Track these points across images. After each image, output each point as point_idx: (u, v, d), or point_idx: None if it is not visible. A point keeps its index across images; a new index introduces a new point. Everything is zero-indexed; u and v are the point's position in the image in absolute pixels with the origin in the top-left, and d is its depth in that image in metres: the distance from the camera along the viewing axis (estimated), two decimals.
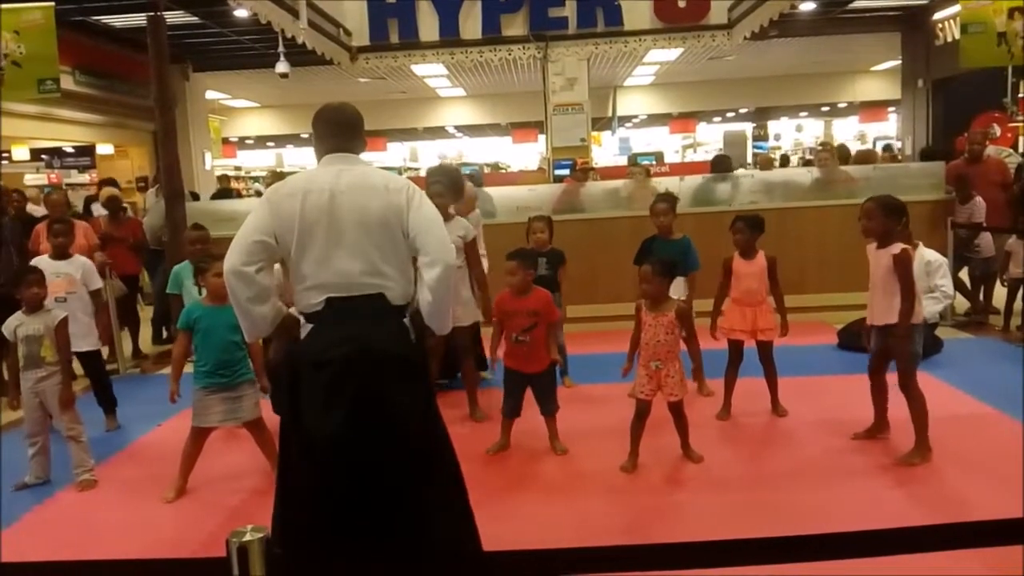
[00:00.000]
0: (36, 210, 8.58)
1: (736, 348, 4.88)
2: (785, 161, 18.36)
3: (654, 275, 4.09)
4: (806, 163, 15.21)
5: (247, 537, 1.79)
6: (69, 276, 5.22)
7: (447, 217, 4.94)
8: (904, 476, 3.89)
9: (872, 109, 22.79)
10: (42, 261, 5.07)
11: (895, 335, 4.00)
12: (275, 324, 2.61)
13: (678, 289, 4.90)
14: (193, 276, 4.70)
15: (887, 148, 16.16)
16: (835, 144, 15.65)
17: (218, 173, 15.04)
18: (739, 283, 4.87)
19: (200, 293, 4.48)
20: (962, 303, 7.31)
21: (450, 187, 4.96)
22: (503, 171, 21.48)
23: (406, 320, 2.56)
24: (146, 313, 8.31)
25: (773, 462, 4.21)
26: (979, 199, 7.20)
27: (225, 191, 11.71)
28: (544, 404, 4.43)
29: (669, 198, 5.45)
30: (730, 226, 4.96)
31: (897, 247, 4.02)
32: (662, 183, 8.16)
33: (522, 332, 4.32)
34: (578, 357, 5.77)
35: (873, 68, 19.11)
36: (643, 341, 4.10)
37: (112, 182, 9.23)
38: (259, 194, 13.44)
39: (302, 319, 2.56)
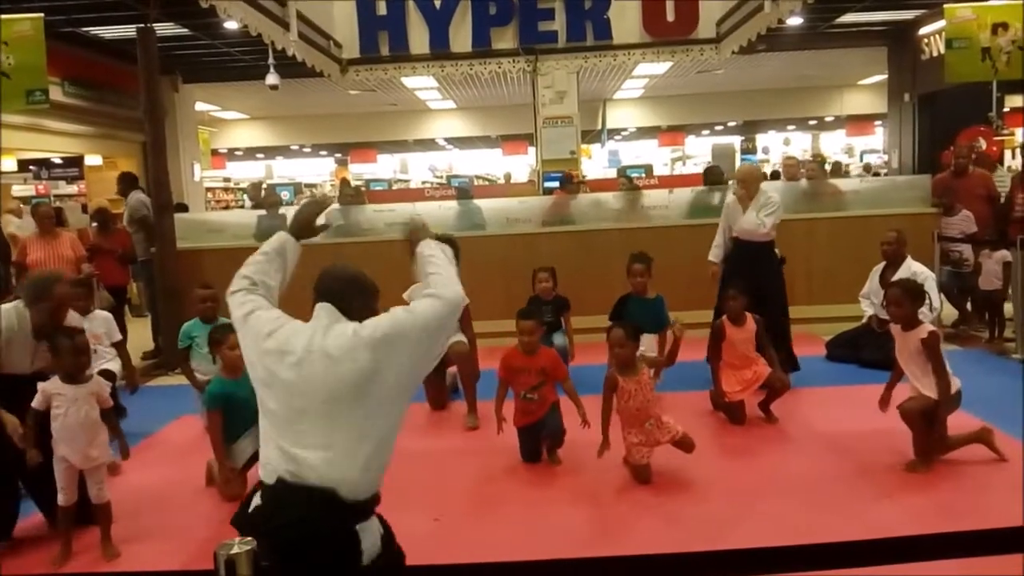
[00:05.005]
0: (20, 223, 8.53)
1: (739, 409, 4.89)
2: (775, 176, 18.36)
3: (627, 339, 4.12)
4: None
5: (235, 550, 1.77)
6: (93, 334, 5.05)
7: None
8: (896, 486, 3.89)
9: (859, 123, 22.94)
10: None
11: (938, 409, 4.02)
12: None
13: (648, 344, 5.02)
14: (208, 345, 4.66)
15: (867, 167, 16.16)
16: (827, 158, 15.72)
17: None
18: (733, 349, 4.91)
19: (214, 361, 4.44)
20: (948, 315, 7.34)
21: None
22: (493, 183, 21.55)
23: (361, 526, 2.10)
24: (134, 325, 8.24)
25: (765, 472, 4.20)
26: (965, 211, 7.25)
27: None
28: (554, 437, 4.39)
29: (645, 259, 5.52)
30: (724, 294, 5.01)
31: (924, 331, 4.05)
32: (651, 195, 8.22)
33: (531, 390, 4.37)
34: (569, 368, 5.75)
35: (860, 82, 19.29)
36: (632, 408, 4.06)
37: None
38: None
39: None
